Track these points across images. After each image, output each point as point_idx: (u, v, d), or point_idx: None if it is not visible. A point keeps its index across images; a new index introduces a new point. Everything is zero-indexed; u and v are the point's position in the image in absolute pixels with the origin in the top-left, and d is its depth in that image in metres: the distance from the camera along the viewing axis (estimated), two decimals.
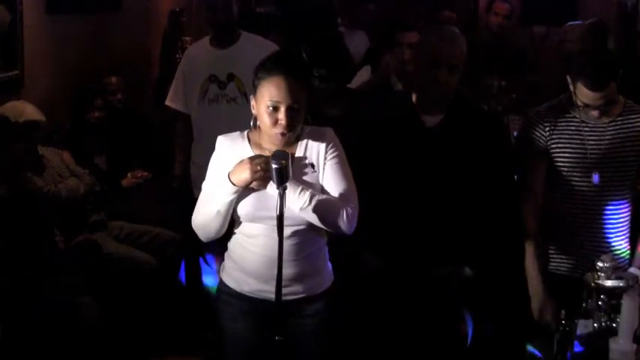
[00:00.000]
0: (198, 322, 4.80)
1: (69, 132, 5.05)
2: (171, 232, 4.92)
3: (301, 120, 2.87)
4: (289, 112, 2.80)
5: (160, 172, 5.34)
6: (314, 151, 2.94)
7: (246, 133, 2.98)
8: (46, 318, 3.79)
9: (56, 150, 4.75)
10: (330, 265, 3.11)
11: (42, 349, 3.74)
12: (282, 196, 2.69)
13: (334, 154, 2.95)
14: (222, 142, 3.00)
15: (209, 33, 4.72)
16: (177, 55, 6.14)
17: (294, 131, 2.85)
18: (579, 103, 3.31)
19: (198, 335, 4.79)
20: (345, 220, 2.87)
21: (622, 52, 5.83)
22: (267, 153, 2.86)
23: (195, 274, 4.98)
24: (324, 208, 2.85)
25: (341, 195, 2.90)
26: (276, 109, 2.80)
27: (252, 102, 2.92)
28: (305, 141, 2.95)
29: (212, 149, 4.35)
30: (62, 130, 5.04)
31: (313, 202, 2.82)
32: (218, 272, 4.51)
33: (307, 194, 2.82)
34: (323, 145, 2.94)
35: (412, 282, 3.34)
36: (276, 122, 2.81)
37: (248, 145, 2.95)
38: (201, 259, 4.91)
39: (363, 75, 5.00)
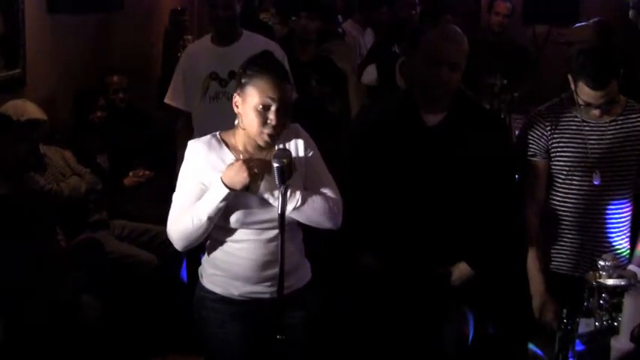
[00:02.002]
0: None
1: (71, 131, 5.06)
2: None
3: (286, 122, 2.85)
4: (279, 112, 2.78)
5: (161, 170, 5.34)
6: (291, 149, 2.92)
7: (219, 135, 2.95)
8: (48, 317, 3.79)
9: (58, 149, 4.75)
10: (307, 261, 3.13)
11: (44, 348, 3.74)
12: (284, 195, 2.69)
13: (311, 150, 2.97)
14: (196, 147, 2.93)
15: (210, 32, 4.72)
16: (179, 54, 6.13)
17: (280, 132, 2.84)
18: (580, 102, 3.31)
19: (199, 335, 4.79)
20: (334, 216, 2.90)
21: (623, 52, 5.83)
22: (245, 155, 2.86)
23: (196, 273, 4.97)
24: (315, 206, 2.86)
25: (326, 190, 2.92)
26: (267, 108, 2.77)
27: (236, 99, 2.87)
28: (282, 142, 2.92)
29: None
30: (64, 129, 5.05)
31: (305, 202, 2.84)
32: None
33: (298, 194, 2.83)
34: (300, 143, 2.95)
35: (413, 281, 3.35)
36: (265, 122, 2.78)
37: (226, 148, 2.91)
38: (202, 257, 4.90)
39: (369, 73, 5.02)
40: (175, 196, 2.95)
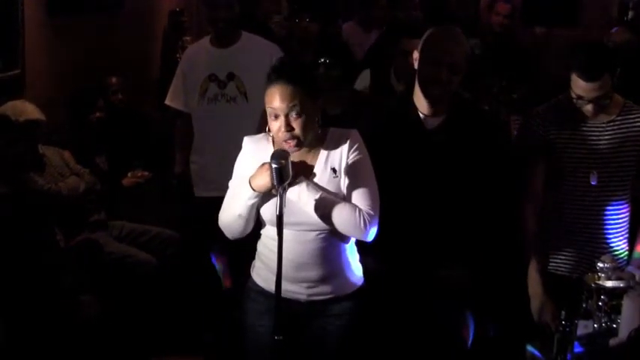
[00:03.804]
0: (198, 322, 4.81)
1: (70, 131, 5.06)
2: (171, 231, 4.92)
3: (308, 126, 2.83)
4: (288, 119, 2.80)
5: (160, 171, 5.35)
6: (336, 154, 2.92)
7: (271, 135, 2.96)
8: (47, 317, 3.79)
9: (57, 149, 4.75)
10: (360, 265, 3.09)
11: (43, 348, 3.75)
12: (282, 196, 2.69)
13: (356, 157, 2.91)
14: (247, 143, 3.01)
15: (209, 33, 4.72)
16: (178, 56, 6.15)
17: (300, 137, 2.83)
18: (574, 96, 3.31)
19: (199, 335, 4.79)
20: (361, 228, 2.84)
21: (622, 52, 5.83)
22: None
23: (191, 275, 4.97)
24: (342, 214, 2.82)
25: (360, 200, 2.86)
26: (276, 117, 2.81)
27: None
28: (328, 144, 2.93)
29: (211, 148, 4.40)
30: (63, 130, 5.04)
31: (331, 208, 2.81)
32: (219, 272, 4.54)
33: (325, 200, 2.81)
34: (345, 149, 2.92)
35: (413, 284, 3.34)
36: (279, 129, 2.82)
37: (272, 147, 2.93)
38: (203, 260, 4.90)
39: (363, 78, 4.99)
40: (229, 184, 3.02)
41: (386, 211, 3.30)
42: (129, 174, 5.31)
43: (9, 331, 3.64)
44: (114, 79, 5.50)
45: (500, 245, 3.35)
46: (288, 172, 2.69)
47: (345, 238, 2.98)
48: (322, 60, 3.97)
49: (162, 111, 5.85)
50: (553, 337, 2.88)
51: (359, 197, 2.87)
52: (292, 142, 2.82)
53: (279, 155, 2.70)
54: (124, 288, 4.47)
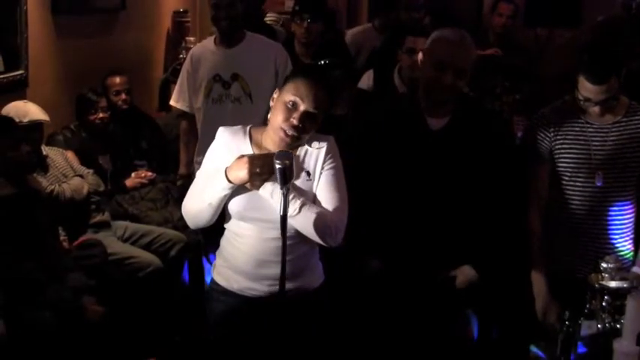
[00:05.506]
0: (200, 323, 4.80)
1: (73, 132, 5.06)
2: (175, 232, 4.91)
3: (310, 131, 2.89)
4: (304, 115, 2.83)
5: (163, 172, 5.35)
6: (312, 158, 2.95)
7: (248, 128, 3.00)
8: (49, 317, 3.79)
9: (60, 150, 4.75)
10: (320, 264, 3.12)
11: (46, 348, 3.75)
12: (285, 196, 2.69)
13: (332, 164, 2.95)
14: (223, 133, 3.01)
15: (212, 34, 4.73)
16: (181, 56, 6.15)
17: (300, 136, 2.87)
18: (580, 98, 3.31)
19: (200, 336, 4.79)
20: (330, 235, 2.88)
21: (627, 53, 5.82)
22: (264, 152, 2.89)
23: (198, 274, 4.99)
24: (312, 219, 2.84)
25: (332, 207, 2.90)
26: (295, 106, 2.83)
27: (275, 93, 2.94)
28: (305, 147, 2.95)
29: None
30: (66, 130, 5.05)
31: (302, 212, 2.83)
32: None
33: (298, 203, 2.83)
34: (322, 154, 2.94)
35: (417, 284, 3.34)
36: (288, 118, 2.83)
37: (249, 141, 2.96)
38: (204, 259, 4.91)
39: (365, 80, 4.99)
40: (197, 174, 3.05)
41: (390, 210, 3.31)
42: (132, 174, 5.30)
43: (12, 332, 3.64)
44: (117, 79, 5.49)
45: (505, 246, 3.35)
46: (292, 172, 2.70)
47: (307, 237, 2.98)
48: (322, 61, 3.99)
49: (166, 111, 5.88)
50: (557, 337, 2.88)
51: (330, 205, 2.90)
52: (290, 137, 2.85)
53: (283, 156, 2.70)
54: (127, 289, 4.47)
